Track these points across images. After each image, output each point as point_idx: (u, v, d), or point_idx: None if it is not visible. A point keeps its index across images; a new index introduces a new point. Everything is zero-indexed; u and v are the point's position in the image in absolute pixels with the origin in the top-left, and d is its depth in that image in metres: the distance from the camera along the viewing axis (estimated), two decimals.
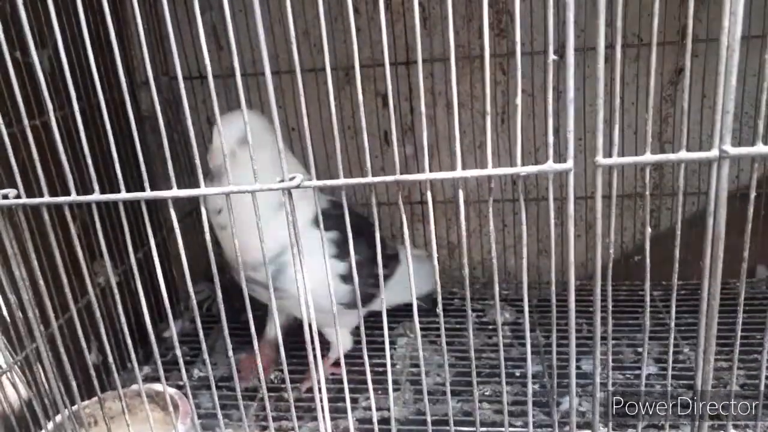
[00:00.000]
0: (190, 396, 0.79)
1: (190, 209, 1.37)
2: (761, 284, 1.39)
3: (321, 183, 0.57)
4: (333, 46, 1.33)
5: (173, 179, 0.57)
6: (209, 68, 0.55)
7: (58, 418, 0.83)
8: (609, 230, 0.58)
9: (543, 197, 1.40)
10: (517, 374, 1.16)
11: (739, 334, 0.59)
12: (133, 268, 0.65)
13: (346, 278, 1.02)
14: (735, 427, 1.01)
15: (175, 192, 0.57)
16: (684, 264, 0.60)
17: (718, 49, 0.50)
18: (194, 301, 0.66)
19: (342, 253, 1.02)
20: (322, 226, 0.61)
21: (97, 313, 0.67)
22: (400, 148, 1.43)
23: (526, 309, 0.59)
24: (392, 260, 1.21)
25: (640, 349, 1.21)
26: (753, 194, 0.54)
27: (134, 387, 1.00)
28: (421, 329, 1.31)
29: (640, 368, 1.18)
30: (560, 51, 0.52)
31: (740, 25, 0.49)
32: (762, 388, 0.65)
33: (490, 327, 1.33)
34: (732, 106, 0.51)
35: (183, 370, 0.72)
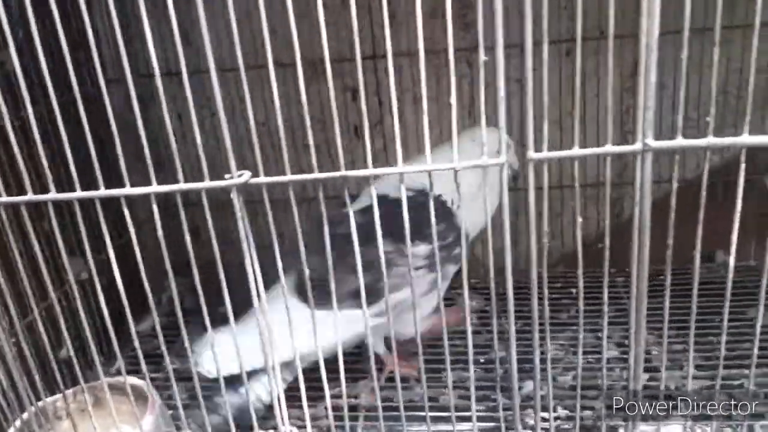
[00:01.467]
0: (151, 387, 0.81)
1: (164, 204, 1.39)
2: (719, 269, 1.43)
3: (269, 179, 0.59)
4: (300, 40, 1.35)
5: (126, 177, 0.59)
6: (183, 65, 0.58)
7: (26, 415, 0.86)
8: (543, 220, 0.61)
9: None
10: (482, 360, 1.20)
11: (667, 317, 0.63)
12: (91, 266, 0.67)
13: None
14: (687, 407, 1.06)
15: (128, 190, 0.60)
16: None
17: (638, 45, 0.54)
18: (151, 299, 0.69)
19: None
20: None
21: (58, 309, 0.69)
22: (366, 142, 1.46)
23: (466, 296, 0.62)
24: None
25: (600, 334, 1.25)
26: (675, 185, 0.57)
27: (104, 380, 1.03)
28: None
29: (600, 353, 1.23)
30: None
31: (657, 25, 0.52)
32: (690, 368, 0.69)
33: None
34: (653, 102, 0.54)
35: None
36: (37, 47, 0.56)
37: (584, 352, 1.22)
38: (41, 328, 0.69)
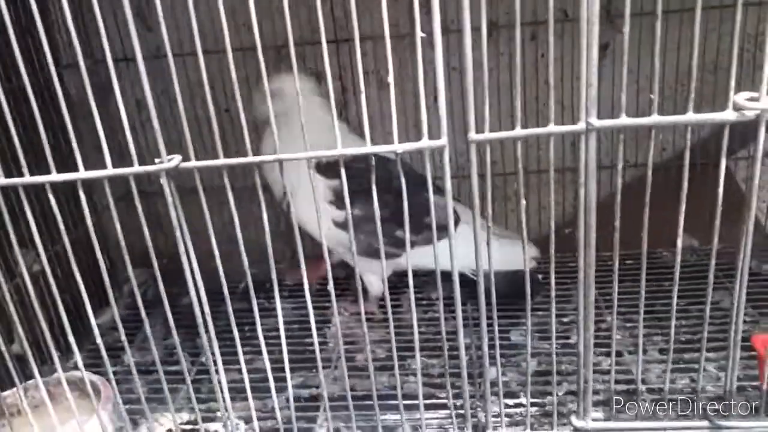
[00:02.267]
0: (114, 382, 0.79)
1: (125, 192, 1.35)
2: (686, 253, 1.43)
3: (201, 164, 0.57)
4: (261, 24, 1.32)
5: (51, 164, 0.57)
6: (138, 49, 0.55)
7: None
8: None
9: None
10: (447, 347, 1.18)
11: (616, 301, 0.62)
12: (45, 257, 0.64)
13: (342, 225, 1.12)
14: (649, 391, 1.06)
15: (54, 177, 0.57)
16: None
17: (578, 26, 0.52)
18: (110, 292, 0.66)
19: (340, 202, 1.09)
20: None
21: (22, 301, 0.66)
22: None
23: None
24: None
25: (565, 319, 1.25)
26: (621, 165, 0.56)
27: (57, 375, 1.00)
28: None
29: (566, 338, 1.23)
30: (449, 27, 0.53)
31: (598, 1, 0.50)
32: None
33: (424, 302, 1.35)
34: (596, 80, 0.53)
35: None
36: None
37: (549, 338, 1.22)
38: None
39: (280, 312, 0.65)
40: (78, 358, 0.79)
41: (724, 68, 1.34)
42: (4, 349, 0.68)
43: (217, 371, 0.63)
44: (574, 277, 1.28)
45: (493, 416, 0.96)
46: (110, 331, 1.23)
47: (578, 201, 0.57)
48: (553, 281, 0.62)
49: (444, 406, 1.05)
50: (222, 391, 0.65)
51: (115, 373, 1.02)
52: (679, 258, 0.59)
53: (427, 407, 1.07)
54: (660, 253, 1.42)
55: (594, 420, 0.66)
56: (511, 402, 1.06)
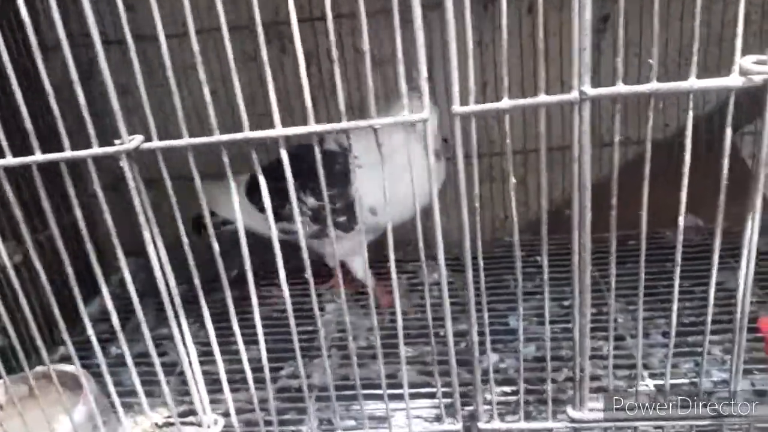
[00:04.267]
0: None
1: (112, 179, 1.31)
2: (688, 232, 1.38)
3: (163, 144, 0.53)
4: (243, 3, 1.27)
5: (5, 145, 0.53)
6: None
7: None
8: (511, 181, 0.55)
9: None
10: (441, 333, 1.15)
11: (614, 281, 0.58)
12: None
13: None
14: (652, 376, 1.02)
15: (8, 161, 0.53)
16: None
17: None
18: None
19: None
20: None
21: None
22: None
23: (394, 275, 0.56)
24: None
25: (566, 303, 1.21)
26: (617, 138, 0.51)
27: (39, 368, 0.97)
28: (353, 294, 1.31)
29: (567, 322, 1.19)
30: None
31: None
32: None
33: (419, 288, 1.31)
34: (589, 43, 0.48)
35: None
36: None
37: (551, 322, 1.17)
38: None
39: (255, 305, 0.61)
40: (71, 349, 0.76)
41: (730, 40, 1.28)
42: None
43: (191, 364, 0.59)
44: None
45: (487, 405, 0.92)
46: (95, 323, 1.20)
47: (572, 178, 0.53)
48: (546, 262, 0.58)
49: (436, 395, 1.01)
50: (197, 386, 0.61)
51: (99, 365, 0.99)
52: (681, 237, 0.55)
53: (421, 396, 1.04)
54: (663, 233, 1.38)
55: (591, 410, 0.62)
56: (508, 389, 1.03)
